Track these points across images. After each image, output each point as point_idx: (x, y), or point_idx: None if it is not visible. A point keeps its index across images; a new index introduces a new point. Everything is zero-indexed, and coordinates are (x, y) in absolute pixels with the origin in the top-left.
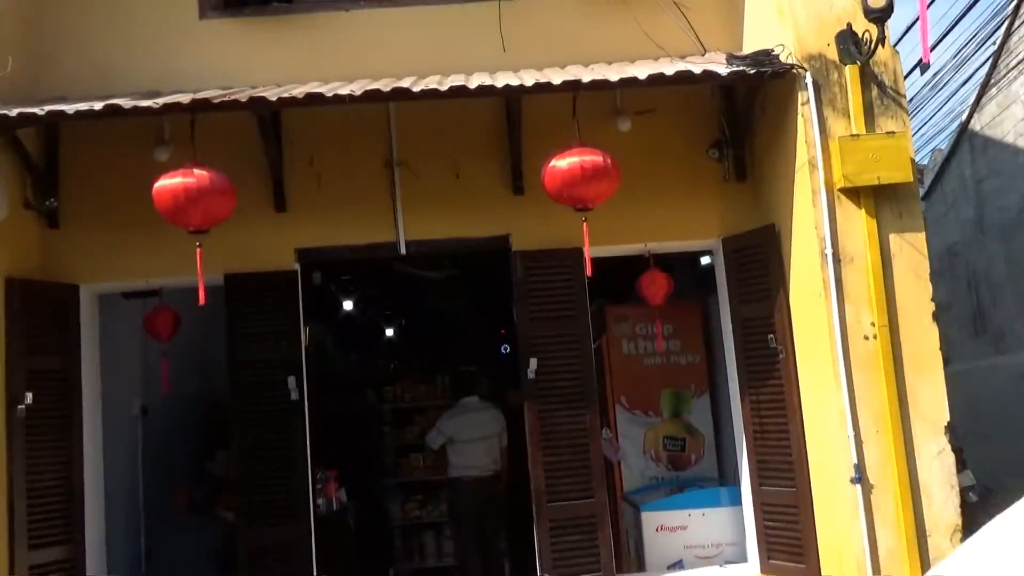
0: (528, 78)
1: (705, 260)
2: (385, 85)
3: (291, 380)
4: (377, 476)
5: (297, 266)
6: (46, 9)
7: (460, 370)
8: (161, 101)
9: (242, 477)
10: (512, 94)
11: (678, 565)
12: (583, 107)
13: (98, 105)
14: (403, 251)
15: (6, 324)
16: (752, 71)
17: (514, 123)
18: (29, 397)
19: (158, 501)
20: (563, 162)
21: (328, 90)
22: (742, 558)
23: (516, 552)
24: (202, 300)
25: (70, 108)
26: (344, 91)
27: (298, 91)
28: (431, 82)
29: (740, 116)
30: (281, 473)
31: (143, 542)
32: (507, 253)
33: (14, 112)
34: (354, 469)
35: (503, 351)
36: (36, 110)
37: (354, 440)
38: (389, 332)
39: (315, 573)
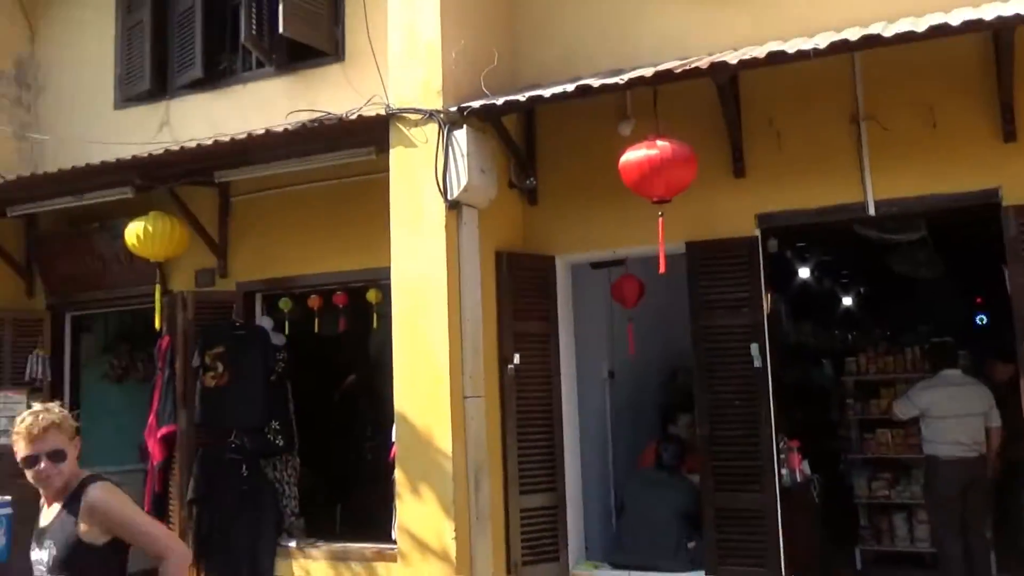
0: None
1: None
2: (852, 34)
3: (754, 347)
4: (840, 450)
5: (757, 232)
6: (519, 4)
7: (934, 341)
8: (626, 77)
9: (707, 441)
10: (1005, 25)
11: None
12: None
13: (570, 87)
14: (872, 212)
15: (497, 292)
16: None
17: (1004, 59)
18: (517, 358)
19: (625, 459)
20: None
21: (790, 47)
22: None
23: (1006, 544)
24: (662, 268)
25: (546, 92)
26: (807, 46)
27: (758, 51)
28: (904, 24)
29: None
30: (745, 440)
31: (613, 496)
32: (995, 209)
33: (500, 100)
34: (815, 441)
35: (978, 321)
36: (518, 97)
37: (814, 411)
38: (847, 300)
39: (782, 544)
